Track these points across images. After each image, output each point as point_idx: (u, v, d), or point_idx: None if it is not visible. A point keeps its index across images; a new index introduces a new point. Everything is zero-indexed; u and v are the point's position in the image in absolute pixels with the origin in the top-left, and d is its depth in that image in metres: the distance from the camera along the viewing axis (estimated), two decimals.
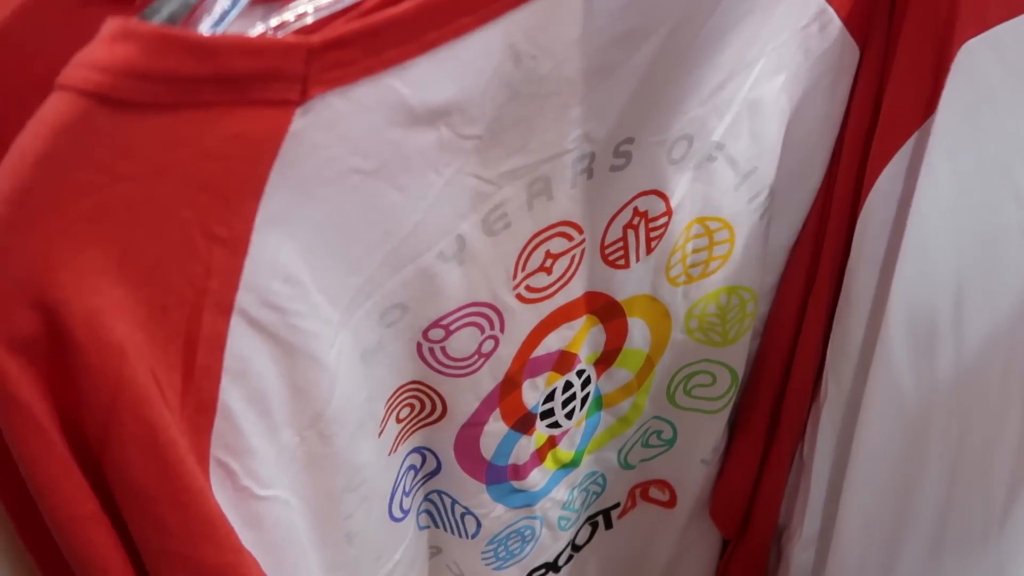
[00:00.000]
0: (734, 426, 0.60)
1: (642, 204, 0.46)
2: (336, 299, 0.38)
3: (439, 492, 0.52)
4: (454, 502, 0.51)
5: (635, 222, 0.47)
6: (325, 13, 0.33)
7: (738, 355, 0.56)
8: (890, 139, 0.47)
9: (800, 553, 0.60)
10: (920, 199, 0.44)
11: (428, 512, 0.53)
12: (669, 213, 0.47)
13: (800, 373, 0.56)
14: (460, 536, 0.54)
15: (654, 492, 0.62)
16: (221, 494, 0.36)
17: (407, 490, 0.49)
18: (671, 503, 0.62)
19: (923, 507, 0.47)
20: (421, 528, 0.53)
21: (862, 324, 0.51)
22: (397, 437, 0.46)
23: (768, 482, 0.60)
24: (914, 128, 0.46)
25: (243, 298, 0.34)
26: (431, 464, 0.50)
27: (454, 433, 0.48)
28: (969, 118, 0.41)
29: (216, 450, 0.36)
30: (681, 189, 0.47)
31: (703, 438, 0.59)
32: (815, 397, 0.56)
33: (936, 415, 0.45)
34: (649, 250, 0.48)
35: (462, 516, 0.52)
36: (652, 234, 0.48)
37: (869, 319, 0.50)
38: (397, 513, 0.49)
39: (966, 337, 0.43)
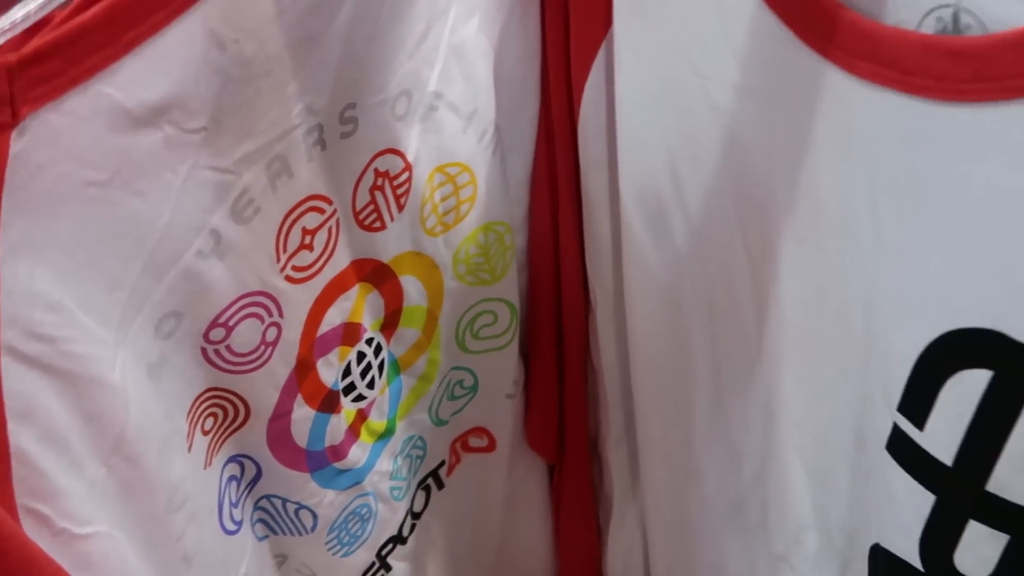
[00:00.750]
0: (527, 355, 0.64)
1: (381, 164, 0.48)
2: (105, 318, 0.37)
3: (267, 497, 0.52)
4: (284, 501, 0.52)
5: (379, 183, 0.49)
6: (8, 36, 0.33)
7: (510, 288, 0.59)
8: (585, 52, 0.51)
9: (614, 453, 0.64)
10: (620, 96, 0.49)
11: (263, 521, 0.53)
12: (409, 168, 0.50)
13: (569, 288, 0.60)
14: (300, 534, 0.54)
15: (473, 441, 0.64)
16: (40, 543, 0.35)
17: (234, 501, 0.49)
18: (491, 447, 0.65)
19: (698, 366, 0.52)
20: (260, 539, 0.53)
21: (606, 224, 0.55)
22: (208, 450, 0.46)
23: (570, 398, 0.64)
24: (602, 36, 0.51)
25: (7, 335, 0.33)
26: (251, 471, 0.50)
27: (264, 431, 0.48)
28: (638, 12, 0.46)
29: (22, 498, 0.35)
30: (414, 143, 0.49)
31: (501, 375, 0.62)
32: (588, 306, 0.61)
33: (684, 280, 0.50)
34: (400, 207, 0.51)
35: (296, 512, 0.53)
36: (398, 191, 0.50)
37: (611, 217, 0.55)
38: (230, 526, 0.48)
39: (688, 204, 0.48)
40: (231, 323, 0.43)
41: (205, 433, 0.46)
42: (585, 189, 0.56)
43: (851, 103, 0.38)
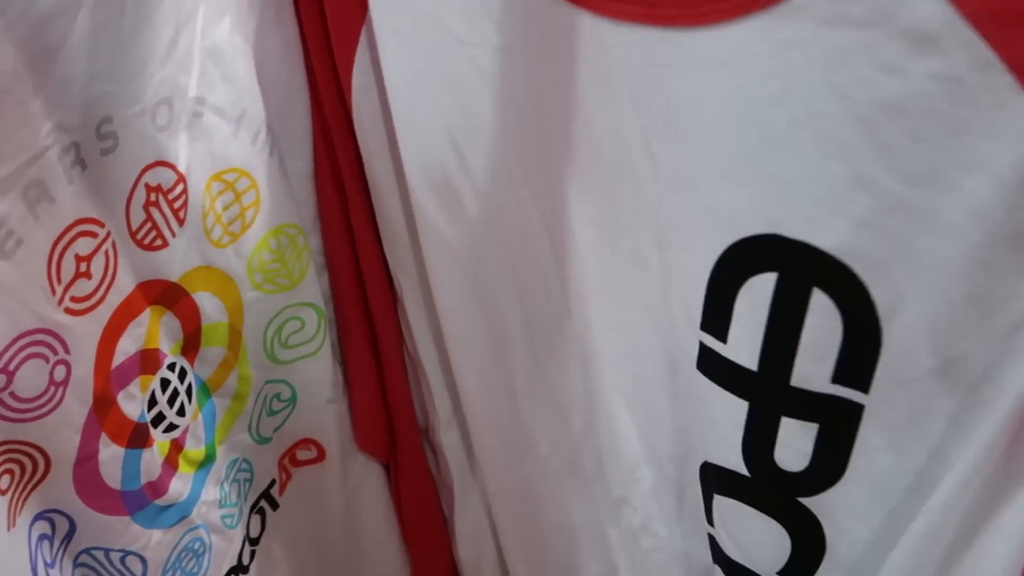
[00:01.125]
0: (343, 357, 0.62)
1: (151, 179, 0.46)
2: None
3: (87, 551, 0.48)
4: (107, 551, 0.48)
5: (153, 199, 0.46)
6: None
7: (312, 291, 0.58)
8: (346, 40, 0.51)
9: (446, 438, 0.64)
10: (389, 78, 0.49)
11: None
12: (182, 179, 0.47)
13: (373, 282, 0.59)
14: None
15: (301, 454, 0.62)
16: None
17: (49, 562, 0.45)
18: (321, 457, 0.63)
19: (511, 333, 0.52)
20: None
21: (398, 210, 0.55)
22: (9, 511, 0.42)
23: (393, 392, 0.63)
24: (360, 22, 0.50)
25: None
26: (63, 526, 0.46)
27: (70, 479, 0.45)
28: None
29: None
30: (183, 153, 0.47)
31: (319, 381, 0.60)
32: (396, 296, 0.60)
33: (483, 250, 0.50)
34: (180, 222, 0.48)
35: (123, 561, 0.49)
36: (175, 205, 0.48)
37: (402, 203, 0.54)
38: None
39: (474, 174, 0.48)
40: (11, 368, 0.40)
41: (2, 493, 0.42)
42: (371, 178, 0.55)
43: (608, 44, 0.39)
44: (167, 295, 0.49)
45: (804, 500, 0.40)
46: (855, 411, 0.37)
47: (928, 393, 0.35)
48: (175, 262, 0.48)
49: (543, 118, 0.44)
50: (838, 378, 0.37)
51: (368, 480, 0.67)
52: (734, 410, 0.40)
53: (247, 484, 0.59)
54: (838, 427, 0.38)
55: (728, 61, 0.35)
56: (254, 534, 0.60)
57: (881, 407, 0.37)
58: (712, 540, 0.47)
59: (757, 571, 0.44)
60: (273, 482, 0.61)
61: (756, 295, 0.38)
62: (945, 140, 0.31)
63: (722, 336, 0.40)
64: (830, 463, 0.39)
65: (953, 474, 0.36)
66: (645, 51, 0.38)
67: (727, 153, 0.37)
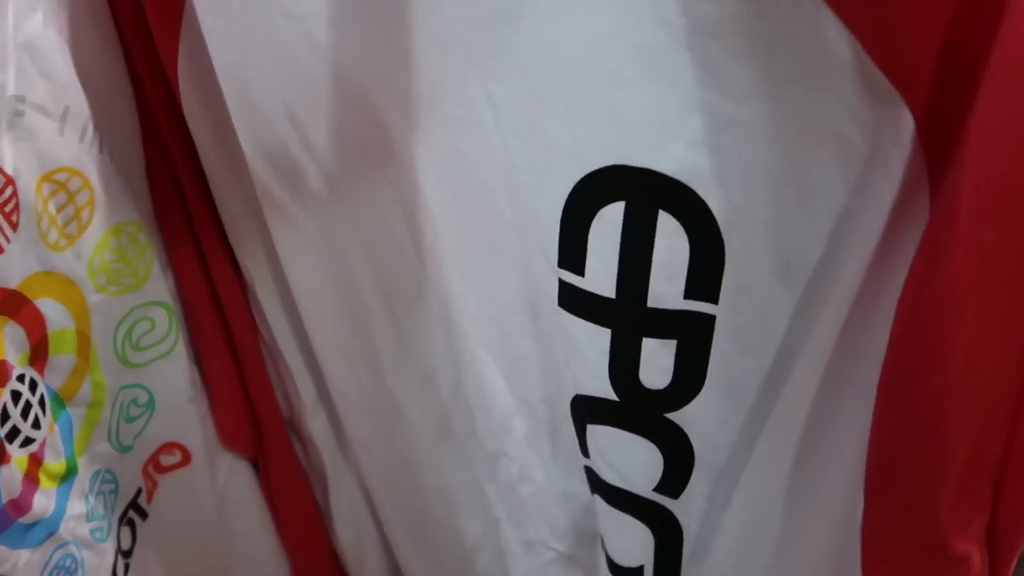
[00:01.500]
0: (197, 354, 0.61)
1: None
2: None
3: None
4: None
5: None
6: None
7: (159, 289, 0.56)
8: (167, 27, 0.50)
9: (313, 424, 0.64)
10: (217, 62, 0.48)
11: None
12: (11, 182, 0.45)
13: (220, 273, 0.58)
14: None
15: (165, 459, 0.60)
16: None
17: None
18: (186, 460, 0.62)
19: (371, 305, 0.53)
20: None
21: (240, 196, 0.54)
22: None
23: (253, 385, 0.62)
24: (180, 7, 0.49)
25: None
26: None
27: None
28: None
29: None
30: (8, 154, 0.45)
31: (176, 382, 0.59)
32: (245, 286, 0.59)
33: (334, 226, 0.51)
34: (14, 227, 0.46)
35: None
36: (7, 209, 0.46)
37: (244, 190, 0.54)
38: None
39: (317, 150, 0.48)
40: None
41: None
42: (207, 167, 0.55)
43: (437, 2, 0.40)
44: (8, 303, 0.46)
45: (670, 415, 0.43)
46: (708, 322, 0.40)
47: (770, 294, 0.38)
48: (13, 269, 0.46)
49: (383, 85, 0.45)
50: (690, 293, 0.40)
51: (237, 479, 0.66)
52: (598, 339, 0.42)
53: (113, 495, 0.57)
54: (694, 340, 0.41)
55: (557, 4, 0.37)
56: (126, 546, 0.58)
57: (730, 315, 0.40)
58: (589, 471, 0.49)
59: (634, 491, 0.46)
60: (140, 491, 0.59)
61: (607, 226, 0.40)
62: (760, 55, 0.34)
63: (579, 270, 0.42)
64: (690, 376, 0.42)
65: (799, 367, 0.39)
66: (474, 4, 0.39)
67: (565, 94, 0.39)
